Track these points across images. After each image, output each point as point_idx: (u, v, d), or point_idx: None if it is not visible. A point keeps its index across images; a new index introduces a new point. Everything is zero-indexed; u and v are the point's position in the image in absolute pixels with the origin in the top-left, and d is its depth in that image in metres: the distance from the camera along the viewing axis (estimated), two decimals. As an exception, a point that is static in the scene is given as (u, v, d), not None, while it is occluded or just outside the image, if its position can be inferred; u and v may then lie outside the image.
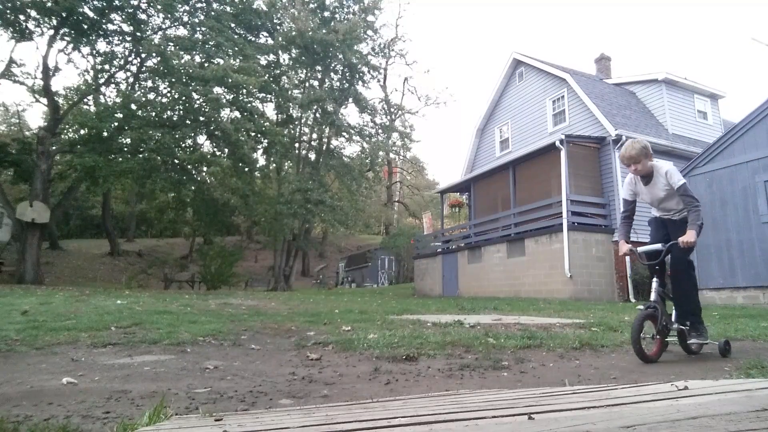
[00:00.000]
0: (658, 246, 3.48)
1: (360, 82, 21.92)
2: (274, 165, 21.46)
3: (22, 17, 14.80)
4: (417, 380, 2.61)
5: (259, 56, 18.50)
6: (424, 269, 17.23)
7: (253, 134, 17.60)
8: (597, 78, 16.58)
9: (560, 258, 11.41)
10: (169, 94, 17.03)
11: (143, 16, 17.23)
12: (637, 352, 3.11)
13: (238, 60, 16.74)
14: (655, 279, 3.39)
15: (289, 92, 20.14)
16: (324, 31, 18.89)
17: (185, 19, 17.89)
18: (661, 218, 3.70)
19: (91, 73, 18.00)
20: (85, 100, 16.94)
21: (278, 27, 20.37)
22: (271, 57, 20.86)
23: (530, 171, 13.77)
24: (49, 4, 14.09)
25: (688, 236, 3.21)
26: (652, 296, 3.33)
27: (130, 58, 17.66)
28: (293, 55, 20.69)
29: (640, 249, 3.59)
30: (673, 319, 3.41)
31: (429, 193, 35.98)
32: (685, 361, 3.28)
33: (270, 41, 20.22)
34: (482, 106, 18.80)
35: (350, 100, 21.35)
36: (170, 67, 15.21)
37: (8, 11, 14.24)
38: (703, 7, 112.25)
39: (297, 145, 21.24)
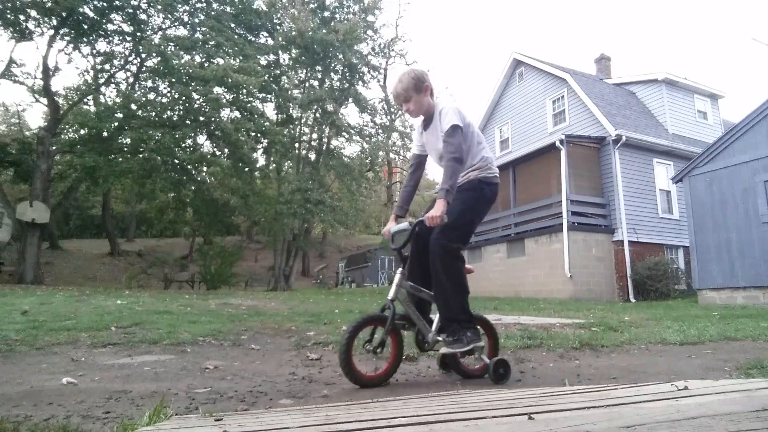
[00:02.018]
0: (404, 225, 2.62)
1: (360, 82, 21.92)
2: (274, 165, 21.46)
3: (22, 17, 14.79)
4: (417, 380, 2.61)
5: (259, 56, 18.48)
6: (424, 269, 17.20)
7: (253, 134, 17.61)
8: (597, 78, 16.58)
9: (560, 258, 11.42)
10: (169, 94, 17.03)
11: (143, 16, 17.23)
12: (345, 372, 2.29)
13: (238, 60, 16.74)
14: (399, 271, 2.51)
15: (289, 92, 20.13)
16: (324, 31, 18.88)
17: (185, 19, 17.89)
18: None
19: (91, 73, 18.00)
20: (85, 100, 16.93)
21: (278, 27, 20.36)
22: (271, 57, 20.85)
23: (530, 171, 13.78)
24: (49, 4, 14.09)
25: (435, 209, 2.32)
26: (391, 293, 2.46)
27: (130, 58, 17.66)
28: (293, 55, 20.68)
29: (393, 228, 2.66)
30: (433, 328, 2.52)
31: (429, 193, 35.97)
32: (685, 361, 3.28)
33: (270, 41, 20.23)
34: (482, 106, 18.82)
35: (350, 100, 21.34)
36: (170, 67, 15.21)
37: (8, 11, 14.24)
38: (703, 7, 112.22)
39: (297, 145, 21.23)
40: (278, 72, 20.44)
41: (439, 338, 2.48)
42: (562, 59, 52.42)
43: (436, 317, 2.57)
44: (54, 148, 15.55)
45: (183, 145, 16.73)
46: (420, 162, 2.85)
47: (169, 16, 17.33)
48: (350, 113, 37.19)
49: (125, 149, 16.23)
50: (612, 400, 1.32)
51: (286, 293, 14.60)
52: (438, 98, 2.70)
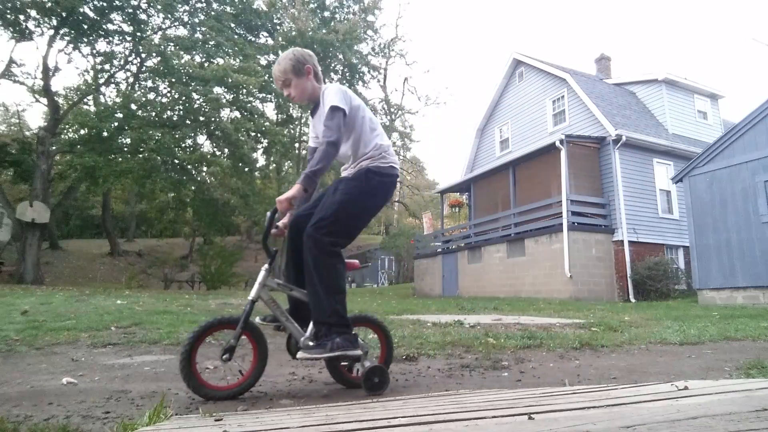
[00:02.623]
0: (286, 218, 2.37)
1: (360, 82, 21.97)
2: (274, 165, 21.48)
3: (22, 17, 14.81)
4: (417, 380, 2.61)
5: (259, 56, 18.50)
6: (424, 269, 17.23)
7: (253, 134, 17.62)
8: (597, 78, 16.58)
9: (560, 258, 11.42)
10: (169, 94, 17.04)
11: (143, 16, 17.25)
12: (186, 382, 2.03)
13: (238, 60, 16.76)
14: (264, 267, 2.24)
15: (289, 92, 20.12)
16: (324, 31, 18.92)
17: (185, 19, 17.91)
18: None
19: (91, 73, 18.02)
20: (85, 100, 16.95)
21: (278, 27, 20.39)
22: (271, 57, 20.85)
23: (530, 171, 13.78)
24: (49, 4, 14.11)
25: (287, 193, 2.07)
26: (252, 293, 2.22)
27: (130, 58, 17.68)
28: (293, 55, 20.69)
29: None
30: (308, 332, 2.26)
31: (429, 193, 36.00)
32: (685, 361, 3.27)
33: (270, 41, 20.25)
34: (482, 106, 18.83)
35: (350, 100, 21.35)
36: (170, 67, 15.22)
37: (8, 11, 14.25)
38: (703, 7, 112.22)
39: (297, 145, 21.25)
40: (278, 72, 20.43)
41: (311, 343, 2.22)
42: (562, 59, 52.47)
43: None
44: (54, 148, 15.56)
45: (183, 145, 16.75)
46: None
47: (169, 16, 17.34)
48: (350, 113, 37.14)
49: (125, 149, 16.24)
50: (612, 400, 1.31)
51: (286, 293, 14.57)
52: (329, 83, 2.47)
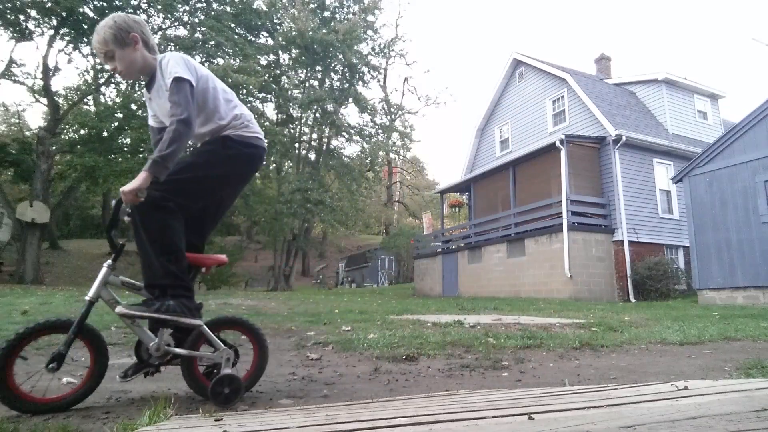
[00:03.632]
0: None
1: (360, 82, 21.94)
2: (274, 165, 21.47)
3: (22, 17, 14.81)
4: (417, 380, 2.61)
5: (259, 56, 18.50)
6: (424, 269, 17.23)
7: (253, 134, 17.59)
8: (597, 78, 16.58)
9: (560, 258, 11.42)
10: (169, 94, 17.03)
11: (143, 16, 17.23)
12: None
13: (238, 60, 16.75)
14: (106, 264, 2.03)
15: (289, 92, 20.15)
16: (324, 31, 18.90)
17: (185, 19, 17.91)
18: None
19: (91, 73, 18.01)
20: (85, 100, 16.94)
21: (278, 27, 20.38)
22: (271, 57, 20.88)
23: (530, 171, 13.77)
24: (49, 4, 14.10)
25: (132, 183, 1.82)
26: (90, 292, 1.98)
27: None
28: (293, 55, 20.70)
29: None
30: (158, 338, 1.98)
31: (429, 193, 35.99)
32: (685, 361, 3.27)
33: (270, 41, 20.25)
34: (482, 106, 18.82)
35: (350, 100, 21.37)
36: (170, 67, 15.21)
37: (8, 11, 14.25)
38: (703, 7, 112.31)
39: (297, 145, 21.25)
40: (278, 72, 20.47)
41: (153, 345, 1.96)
42: (562, 59, 52.47)
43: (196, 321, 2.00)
44: (54, 148, 15.55)
45: (183, 145, 16.72)
46: (161, 138, 1.99)
47: (169, 16, 17.34)
48: (350, 113, 37.28)
49: (125, 149, 16.24)
50: (612, 400, 1.32)
51: (286, 293, 14.60)
52: (168, 52, 2.16)
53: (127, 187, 1.81)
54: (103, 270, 2.00)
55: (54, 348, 1.94)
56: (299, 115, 20.93)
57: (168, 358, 2.03)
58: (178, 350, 2.00)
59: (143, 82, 2.26)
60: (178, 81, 1.92)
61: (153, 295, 1.97)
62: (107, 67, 2.09)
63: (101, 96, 17.11)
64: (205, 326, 2.02)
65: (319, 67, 20.97)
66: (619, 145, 12.24)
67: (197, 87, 2.02)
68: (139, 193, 1.83)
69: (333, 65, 20.93)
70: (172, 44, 16.43)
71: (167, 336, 2.02)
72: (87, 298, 1.96)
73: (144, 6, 16.85)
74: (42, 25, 15.54)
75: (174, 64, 1.96)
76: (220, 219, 2.46)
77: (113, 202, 1.98)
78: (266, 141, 2.28)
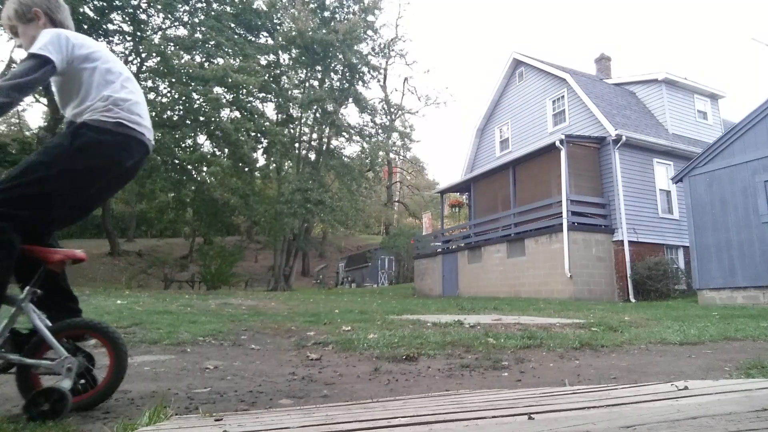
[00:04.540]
0: None
1: (360, 82, 21.95)
2: (274, 165, 21.48)
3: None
4: (417, 380, 2.61)
5: (259, 56, 18.50)
6: (424, 269, 17.23)
7: (253, 134, 17.64)
8: (597, 78, 16.58)
9: (560, 258, 11.42)
10: (169, 94, 17.05)
11: (143, 16, 17.27)
12: None
13: (238, 60, 16.76)
14: None
15: (289, 92, 20.15)
16: (324, 31, 18.90)
17: (185, 19, 17.92)
18: None
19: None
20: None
21: (278, 27, 20.39)
22: (271, 57, 20.88)
23: (530, 171, 13.77)
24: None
25: None
26: None
27: (130, 58, 17.67)
28: (293, 55, 20.71)
29: None
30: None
31: (429, 193, 36.00)
32: (685, 361, 3.27)
33: (270, 41, 20.25)
34: (482, 106, 18.81)
35: (350, 100, 21.38)
36: (170, 67, 15.23)
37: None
38: (703, 7, 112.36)
39: (297, 145, 21.26)
40: (278, 72, 20.47)
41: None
42: (562, 59, 52.44)
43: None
44: (54, 148, 15.54)
45: (183, 145, 16.76)
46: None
47: (169, 15, 17.35)
48: (350, 113, 37.27)
49: (125, 149, 16.22)
50: (612, 400, 1.31)
51: (286, 293, 14.60)
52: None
53: None
54: None
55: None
56: (299, 115, 20.94)
57: (2, 365, 1.82)
58: (10, 356, 1.81)
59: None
60: (30, 56, 1.76)
61: None
62: (14, 42, 2.00)
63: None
64: (46, 332, 1.83)
65: (319, 67, 20.98)
66: (619, 145, 12.24)
67: (70, 66, 1.86)
68: None
69: (333, 65, 20.94)
70: (172, 44, 16.43)
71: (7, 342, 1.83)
72: None
73: (144, 6, 16.86)
74: (42, 25, 15.54)
75: (40, 39, 1.80)
76: (87, 214, 2.30)
77: None
78: (147, 128, 2.02)
